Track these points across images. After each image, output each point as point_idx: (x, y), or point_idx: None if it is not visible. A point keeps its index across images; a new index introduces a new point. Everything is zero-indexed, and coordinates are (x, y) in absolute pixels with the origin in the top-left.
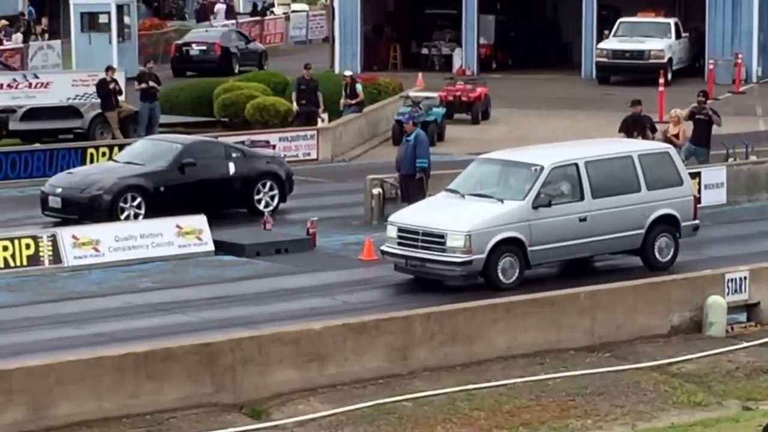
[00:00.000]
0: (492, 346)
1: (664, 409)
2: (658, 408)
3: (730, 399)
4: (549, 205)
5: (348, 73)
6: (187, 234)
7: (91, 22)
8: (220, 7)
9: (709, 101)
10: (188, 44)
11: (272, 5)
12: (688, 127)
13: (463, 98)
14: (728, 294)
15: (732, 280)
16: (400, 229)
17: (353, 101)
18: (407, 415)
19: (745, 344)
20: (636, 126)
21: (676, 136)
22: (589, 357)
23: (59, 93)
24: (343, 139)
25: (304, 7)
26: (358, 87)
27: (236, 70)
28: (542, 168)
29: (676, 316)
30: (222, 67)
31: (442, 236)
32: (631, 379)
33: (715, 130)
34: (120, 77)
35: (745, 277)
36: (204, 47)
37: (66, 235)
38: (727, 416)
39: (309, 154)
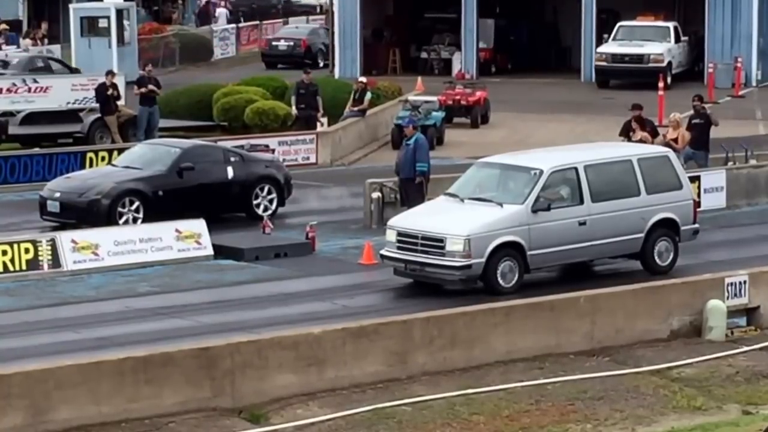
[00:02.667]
0: (491, 350)
1: (663, 414)
2: (657, 412)
3: (730, 403)
4: (548, 209)
5: (362, 79)
6: (186, 238)
7: (90, 26)
8: (221, 12)
9: (705, 105)
10: (278, 39)
11: None
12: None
13: (463, 102)
14: (728, 298)
15: (732, 284)
16: (399, 233)
17: (356, 108)
18: (406, 420)
19: (745, 348)
20: (642, 128)
21: (675, 140)
22: (588, 361)
23: (59, 97)
24: (343, 143)
25: None
26: (367, 95)
27: (321, 65)
28: (541, 172)
29: (675, 320)
30: (307, 61)
31: (441, 240)
32: (630, 384)
33: (714, 132)
34: (120, 81)
35: (744, 281)
36: (291, 43)
37: (65, 239)
38: (727, 421)
39: (308, 158)
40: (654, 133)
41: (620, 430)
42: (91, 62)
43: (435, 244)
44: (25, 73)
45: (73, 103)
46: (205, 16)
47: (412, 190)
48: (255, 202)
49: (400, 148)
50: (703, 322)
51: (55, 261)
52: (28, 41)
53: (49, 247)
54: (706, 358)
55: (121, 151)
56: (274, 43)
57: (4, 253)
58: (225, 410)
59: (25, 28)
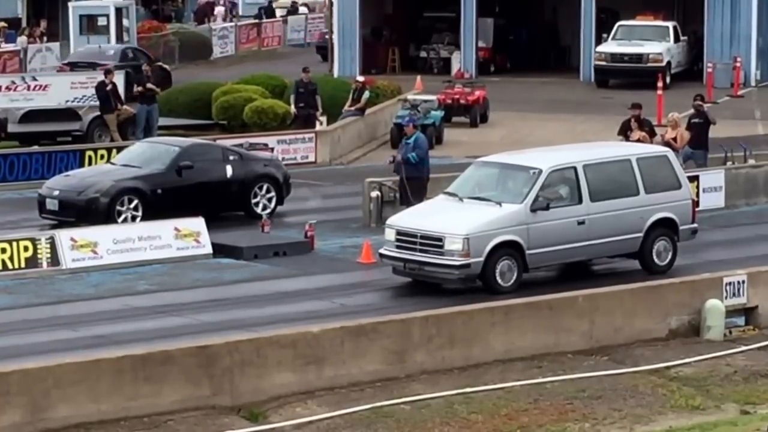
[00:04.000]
0: (490, 349)
1: (661, 413)
2: (655, 411)
3: (728, 403)
4: (547, 208)
5: (360, 78)
6: (186, 237)
7: (90, 24)
8: (219, 10)
9: (706, 105)
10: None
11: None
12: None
13: (462, 101)
14: (726, 298)
15: (730, 283)
16: (398, 232)
17: (353, 107)
18: (405, 419)
19: (743, 348)
20: (640, 128)
21: (674, 139)
22: (587, 360)
23: (58, 95)
24: (342, 142)
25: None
26: (365, 94)
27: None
28: (540, 171)
29: (674, 319)
30: None
31: (440, 239)
32: (629, 383)
33: (713, 132)
34: (119, 80)
35: (743, 281)
36: None
37: (64, 237)
38: (725, 420)
39: (307, 157)
40: (651, 133)
41: (618, 429)
42: None
43: (434, 243)
44: (119, 62)
45: (72, 101)
46: (203, 15)
47: (414, 188)
48: (254, 200)
49: (399, 147)
50: (702, 322)
51: (54, 259)
52: (24, 38)
53: (48, 245)
54: (705, 358)
55: (120, 149)
56: (326, 36)
57: (3, 251)
58: (224, 408)
59: (24, 26)
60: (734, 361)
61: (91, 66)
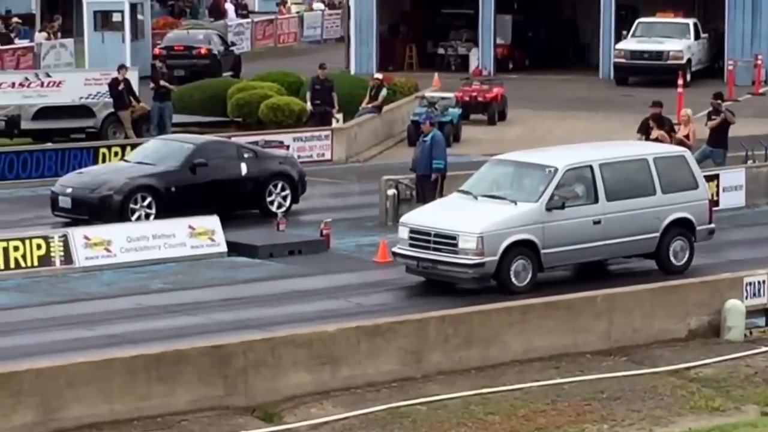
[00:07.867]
0: (507, 349)
1: (681, 414)
2: (675, 413)
3: (748, 404)
4: (563, 207)
5: (378, 75)
6: (200, 235)
7: (104, 20)
8: (228, 6)
9: (724, 104)
10: None
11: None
12: (698, 127)
13: (480, 99)
14: (747, 298)
15: (751, 283)
16: (411, 230)
17: (370, 105)
18: (421, 419)
19: (764, 349)
20: (659, 127)
21: (687, 136)
22: (605, 361)
23: (71, 92)
24: (358, 139)
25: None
26: (383, 91)
27: None
28: (556, 170)
29: (693, 319)
30: None
31: (454, 238)
32: (647, 384)
33: (733, 130)
34: (133, 76)
35: (764, 281)
36: None
37: (77, 235)
38: (746, 421)
39: (323, 155)
40: (671, 132)
41: (637, 430)
42: (104, 57)
43: (447, 241)
44: (208, 45)
45: (86, 98)
46: (217, 11)
47: (429, 186)
48: (269, 198)
49: (416, 145)
50: (722, 322)
51: (67, 257)
52: (42, 35)
53: (61, 243)
54: (725, 359)
55: (134, 146)
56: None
57: (16, 249)
58: (238, 409)
59: (38, 21)
60: (755, 362)
61: (187, 49)
